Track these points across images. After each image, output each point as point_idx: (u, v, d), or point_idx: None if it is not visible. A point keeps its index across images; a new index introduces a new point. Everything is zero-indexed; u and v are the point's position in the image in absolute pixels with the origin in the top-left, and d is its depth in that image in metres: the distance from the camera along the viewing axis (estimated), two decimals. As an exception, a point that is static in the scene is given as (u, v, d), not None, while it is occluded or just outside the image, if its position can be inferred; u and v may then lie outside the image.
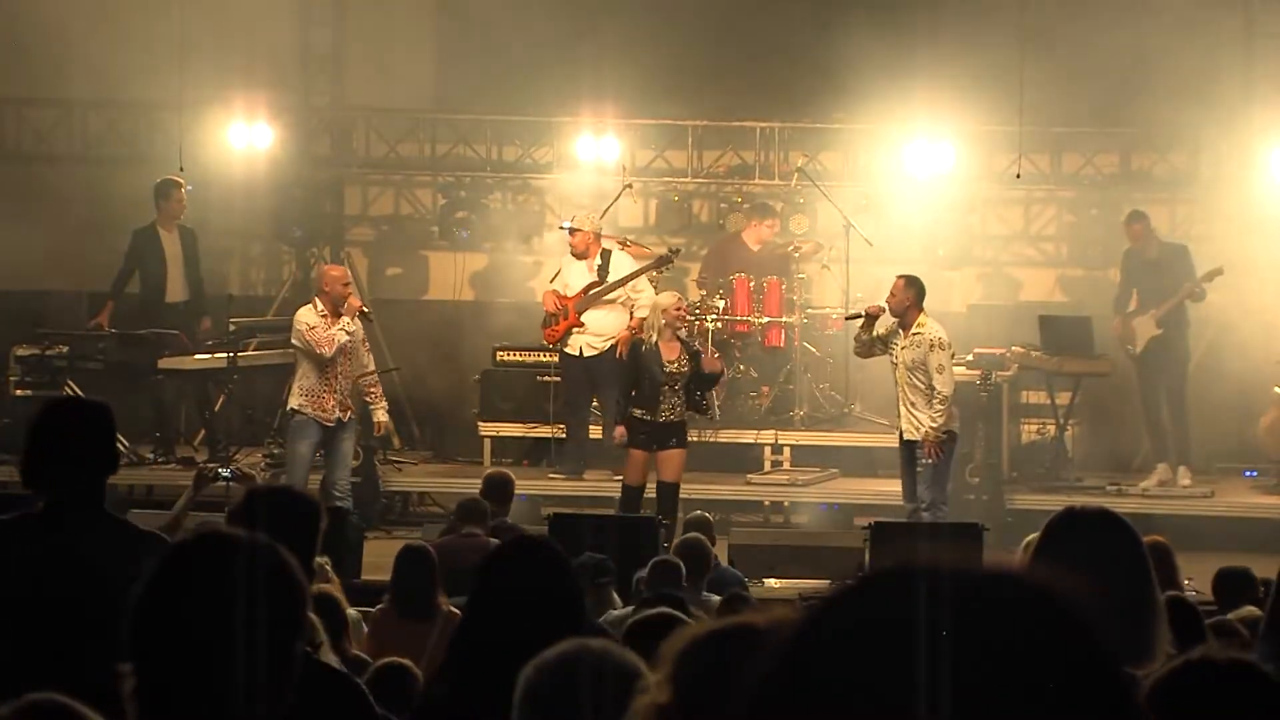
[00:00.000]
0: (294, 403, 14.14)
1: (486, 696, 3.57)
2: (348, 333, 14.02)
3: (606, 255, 15.65)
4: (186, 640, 2.77)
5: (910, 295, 13.61)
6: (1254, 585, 9.04)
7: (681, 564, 9.67)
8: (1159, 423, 15.94)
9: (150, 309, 16.56)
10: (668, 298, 14.24)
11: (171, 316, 16.51)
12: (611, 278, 15.53)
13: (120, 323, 16.55)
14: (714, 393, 14.55)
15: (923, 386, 13.51)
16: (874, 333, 13.78)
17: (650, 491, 14.06)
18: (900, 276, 13.86)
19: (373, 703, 4.47)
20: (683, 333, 14.14)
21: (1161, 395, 15.87)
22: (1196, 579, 12.66)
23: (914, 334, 13.56)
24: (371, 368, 14.42)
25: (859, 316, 14.12)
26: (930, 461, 13.46)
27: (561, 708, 3.44)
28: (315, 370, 14.03)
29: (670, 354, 13.87)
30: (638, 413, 13.91)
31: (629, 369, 14.17)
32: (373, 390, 14.41)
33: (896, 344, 13.64)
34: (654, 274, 15.63)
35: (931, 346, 13.48)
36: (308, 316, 14.09)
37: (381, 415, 14.47)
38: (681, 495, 15.16)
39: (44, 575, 5.01)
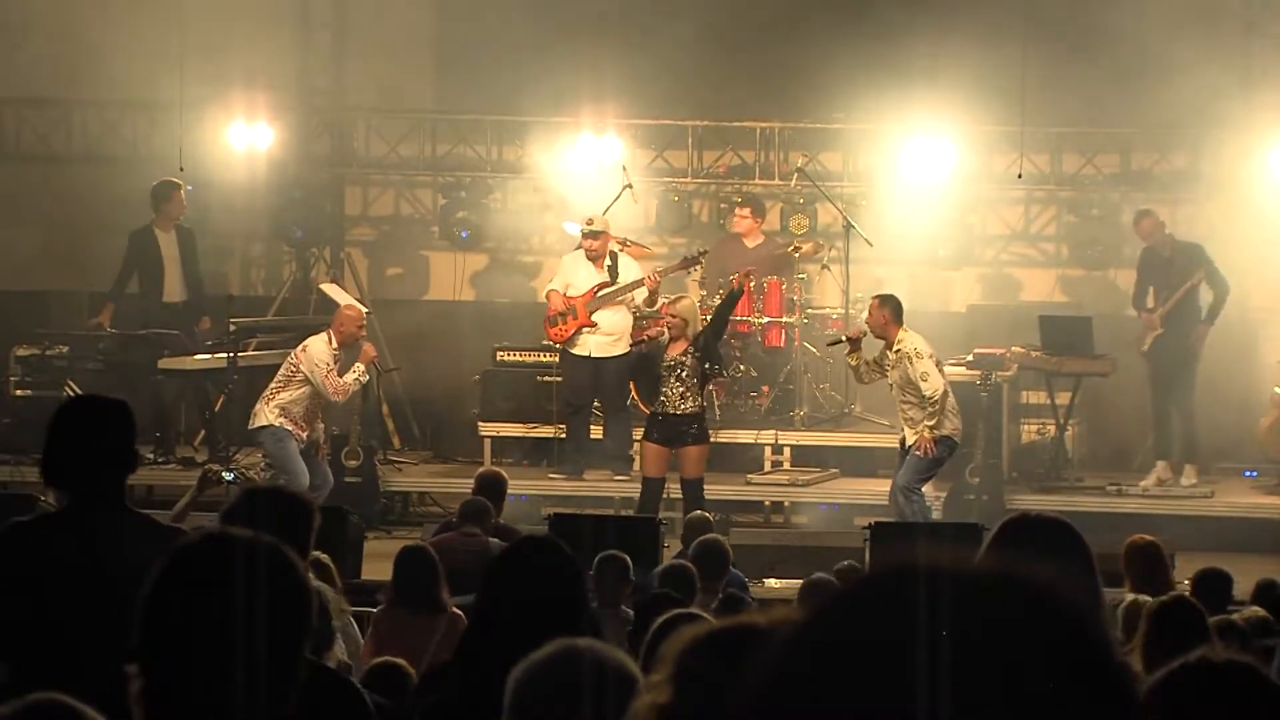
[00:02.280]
0: (272, 420, 14.17)
1: (494, 697, 3.57)
2: (361, 382, 14.40)
3: (614, 256, 15.72)
4: (193, 641, 2.76)
5: (886, 314, 13.83)
6: (1230, 587, 9.04)
7: (694, 568, 9.69)
8: (1164, 421, 15.92)
9: (149, 309, 16.58)
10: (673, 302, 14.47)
11: (169, 316, 16.53)
12: (621, 278, 15.57)
13: (120, 323, 16.56)
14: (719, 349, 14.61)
15: (915, 400, 13.76)
16: (863, 358, 13.99)
17: (675, 492, 14.20)
18: (874, 297, 14.15)
19: (369, 703, 4.47)
20: (679, 330, 14.08)
21: (1168, 393, 15.86)
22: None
23: (896, 351, 13.78)
24: None
25: (839, 342, 14.38)
26: (919, 453, 13.59)
27: (551, 708, 3.43)
28: (308, 400, 14.19)
29: (674, 350, 14.00)
30: (653, 408, 14.14)
31: (638, 366, 14.41)
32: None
33: (888, 363, 13.86)
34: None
35: (910, 359, 13.70)
36: (323, 354, 14.23)
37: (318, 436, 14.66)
38: (682, 495, 15.20)
39: (73, 577, 5.01)
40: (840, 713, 1.51)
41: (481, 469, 13.13)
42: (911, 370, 13.65)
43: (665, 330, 14.18)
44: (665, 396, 13.95)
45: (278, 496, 5.27)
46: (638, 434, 14.66)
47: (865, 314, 14.11)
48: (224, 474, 10.15)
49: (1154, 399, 15.97)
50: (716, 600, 9.20)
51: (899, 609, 1.53)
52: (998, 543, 3.92)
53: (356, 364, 14.29)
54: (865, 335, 13.99)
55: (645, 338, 14.74)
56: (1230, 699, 3.21)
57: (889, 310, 13.81)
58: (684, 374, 13.90)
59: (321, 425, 14.60)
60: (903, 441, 13.92)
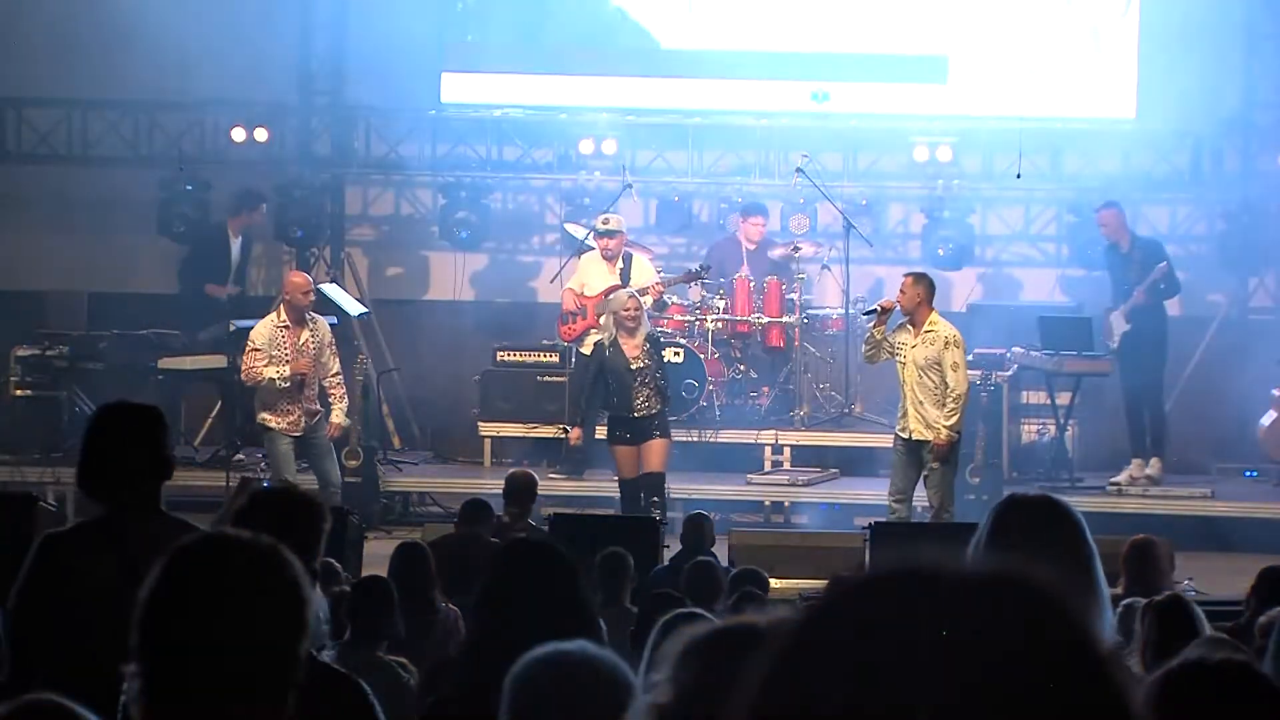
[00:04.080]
0: (261, 416, 13.94)
1: (495, 698, 3.57)
2: (276, 382, 13.74)
3: (628, 259, 15.71)
4: (191, 642, 2.78)
5: (920, 292, 13.39)
6: None
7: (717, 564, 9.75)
8: (1137, 418, 15.86)
9: (201, 304, 16.85)
10: (619, 298, 14.21)
11: (222, 315, 16.72)
12: (633, 281, 15.55)
13: (126, 323, 16.58)
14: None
15: (933, 385, 13.29)
16: (884, 333, 13.57)
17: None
18: (908, 274, 13.67)
19: (376, 704, 4.47)
20: (638, 329, 13.93)
21: (1139, 391, 15.78)
22: (1197, 578, 12.71)
23: (926, 332, 13.34)
24: (335, 369, 14.20)
25: (872, 311, 13.80)
26: (937, 466, 13.34)
27: (545, 712, 3.43)
28: (272, 384, 13.84)
29: (632, 350, 13.85)
30: (617, 412, 13.91)
31: (591, 372, 14.20)
32: (334, 391, 14.14)
33: (906, 343, 13.45)
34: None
35: (947, 344, 13.29)
36: (258, 334, 13.87)
37: (337, 416, 14.12)
38: (681, 495, 15.20)
39: (110, 586, 5.02)
40: (839, 713, 1.51)
41: (512, 470, 13.11)
42: (945, 355, 13.23)
43: (609, 331, 14.02)
44: (634, 402, 13.81)
45: (288, 497, 5.27)
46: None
47: (898, 295, 13.61)
48: (262, 482, 10.19)
49: (1126, 396, 15.88)
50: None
51: (897, 610, 1.53)
52: (992, 529, 3.92)
53: (286, 368, 13.78)
54: (894, 309, 13.67)
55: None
56: (1225, 698, 3.21)
57: (924, 289, 13.40)
58: (647, 379, 13.81)
59: (343, 406, 14.15)
60: (909, 436, 13.43)
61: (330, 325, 14.56)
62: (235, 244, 17.28)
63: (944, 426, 13.25)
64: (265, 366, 13.75)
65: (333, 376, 14.17)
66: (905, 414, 13.51)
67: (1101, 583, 3.89)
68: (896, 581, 1.56)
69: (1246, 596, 8.64)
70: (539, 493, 15.41)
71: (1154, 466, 15.76)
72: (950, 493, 13.43)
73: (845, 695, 1.51)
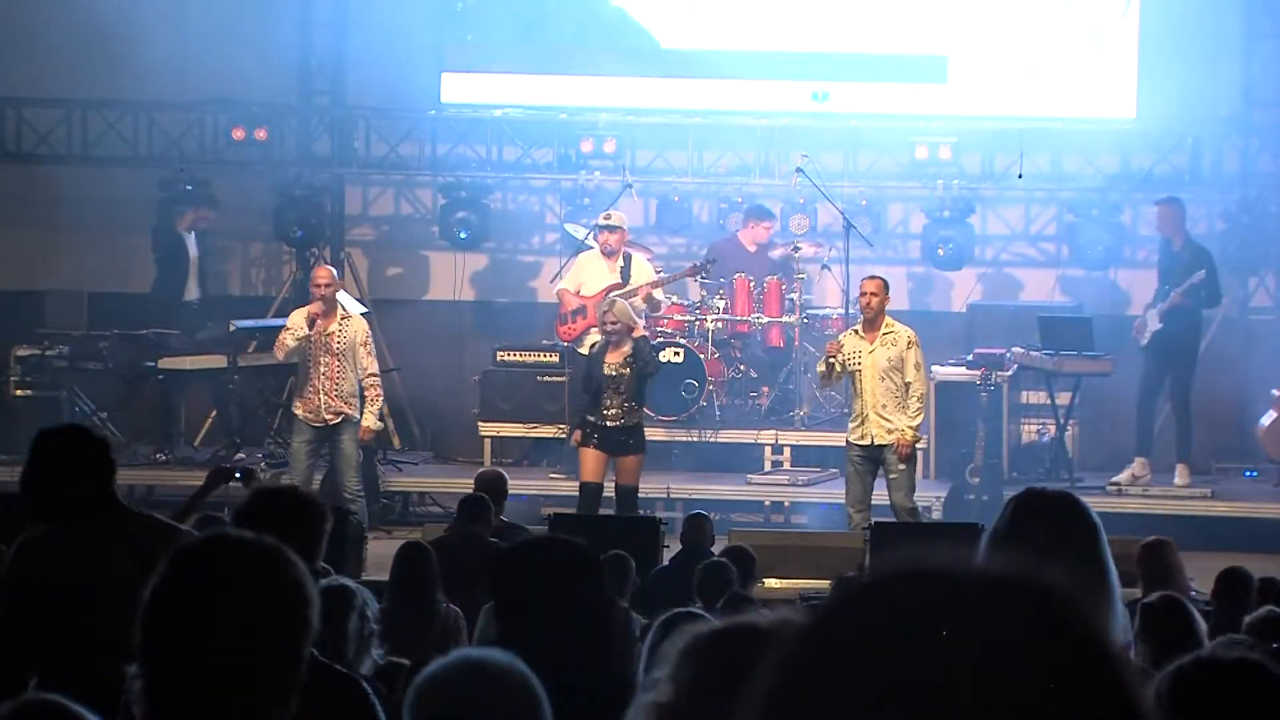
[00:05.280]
0: (294, 406, 14.24)
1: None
2: (296, 335, 13.94)
3: (628, 258, 15.71)
4: (192, 642, 2.78)
5: (888, 295, 13.55)
6: (1252, 586, 9.05)
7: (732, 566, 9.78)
8: (1148, 417, 15.86)
9: (171, 307, 16.89)
10: (601, 306, 14.17)
11: (188, 315, 16.85)
12: (633, 280, 15.53)
13: (126, 323, 16.60)
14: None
15: (895, 388, 13.31)
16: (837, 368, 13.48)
17: (651, 492, 14.11)
18: (876, 278, 13.66)
19: (377, 704, 4.47)
20: (621, 340, 13.68)
21: (1160, 391, 15.78)
22: (1197, 578, 12.69)
23: (885, 334, 13.38)
24: (371, 370, 14.15)
25: (830, 365, 13.56)
26: (904, 468, 13.31)
27: None
28: (301, 371, 14.11)
29: (614, 357, 13.70)
30: (590, 416, 13.75)
31: (581, 372, 14.14)
32: (368, 393, 14.07)
33: (861, 349, 13.39)
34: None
35: (909, 344, 13.36)
36: (293, 316, 14.29)
37: (368, 420, 14.04)
38: (681, 495, 15.21)
39: (88, 585, 5.03)
40: (849, 716, 1.51)
41: (482, 469, 13.08)
42: (909, 355, 13.28)
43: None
44: (605, 408, 13.61)
45: (288, 497, 5.28)
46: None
47: (870, 298, 13.53)
48: (234, 473, 10.14)
49: (1142, 393, 15.86)
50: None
51: (905, 612, 1.53)
52: (1011, 522, 3.93)
53: (307, 333, 13.93)
54: (842, 348, 13.64)
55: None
56: (1239, 697, 3.21)
57: (888, 291, 13.61)
58: (621, 387, 13.61)
59: (374, 409, 14.08)
60: (870, 443, 13.31)
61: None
62: (189, 240, 17.31)
63: (910, 428, 13.30)
64: (285, 337, 14.02)
65: (368, 376, 14.12)
66: (863, 420, 13.43)
67: (1114, 580, 3.90)
68: (904, 583, 1.56)
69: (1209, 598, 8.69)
70: (539, 493, 15.49)
71: (1181, 474, 15.70)
72: (912, 490, 13.47)
73: (854, 698, 1.51)
